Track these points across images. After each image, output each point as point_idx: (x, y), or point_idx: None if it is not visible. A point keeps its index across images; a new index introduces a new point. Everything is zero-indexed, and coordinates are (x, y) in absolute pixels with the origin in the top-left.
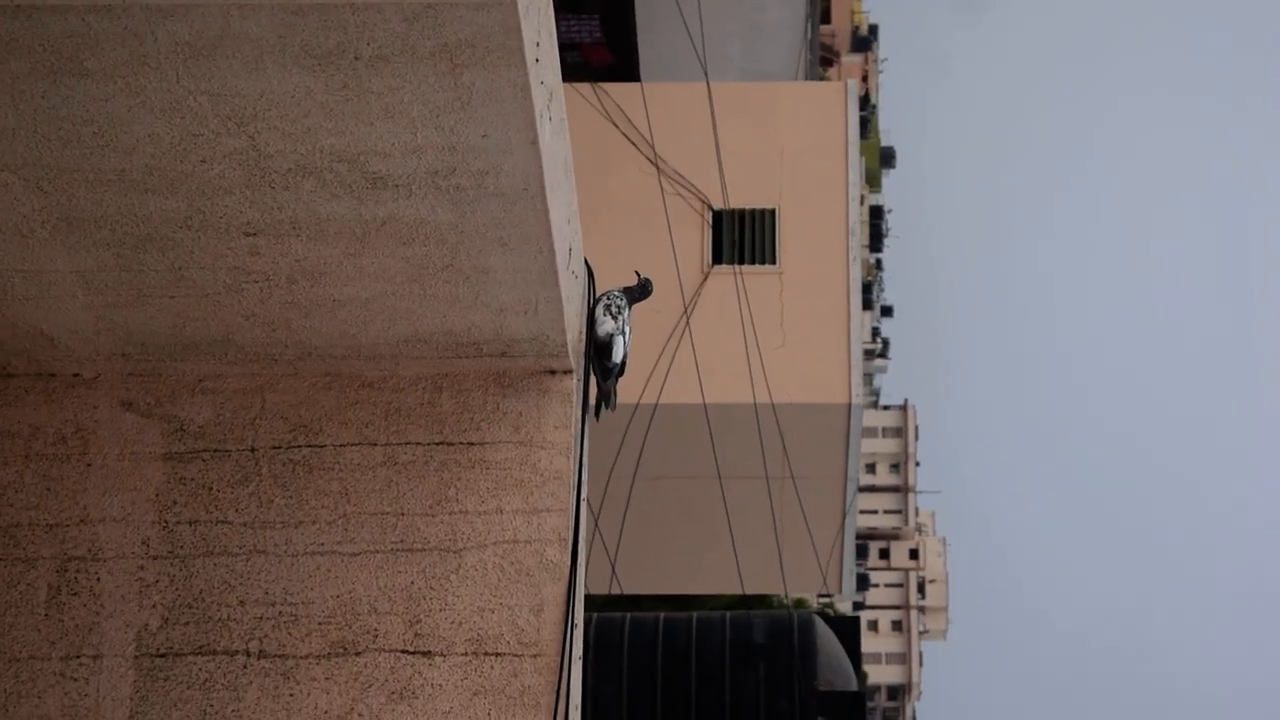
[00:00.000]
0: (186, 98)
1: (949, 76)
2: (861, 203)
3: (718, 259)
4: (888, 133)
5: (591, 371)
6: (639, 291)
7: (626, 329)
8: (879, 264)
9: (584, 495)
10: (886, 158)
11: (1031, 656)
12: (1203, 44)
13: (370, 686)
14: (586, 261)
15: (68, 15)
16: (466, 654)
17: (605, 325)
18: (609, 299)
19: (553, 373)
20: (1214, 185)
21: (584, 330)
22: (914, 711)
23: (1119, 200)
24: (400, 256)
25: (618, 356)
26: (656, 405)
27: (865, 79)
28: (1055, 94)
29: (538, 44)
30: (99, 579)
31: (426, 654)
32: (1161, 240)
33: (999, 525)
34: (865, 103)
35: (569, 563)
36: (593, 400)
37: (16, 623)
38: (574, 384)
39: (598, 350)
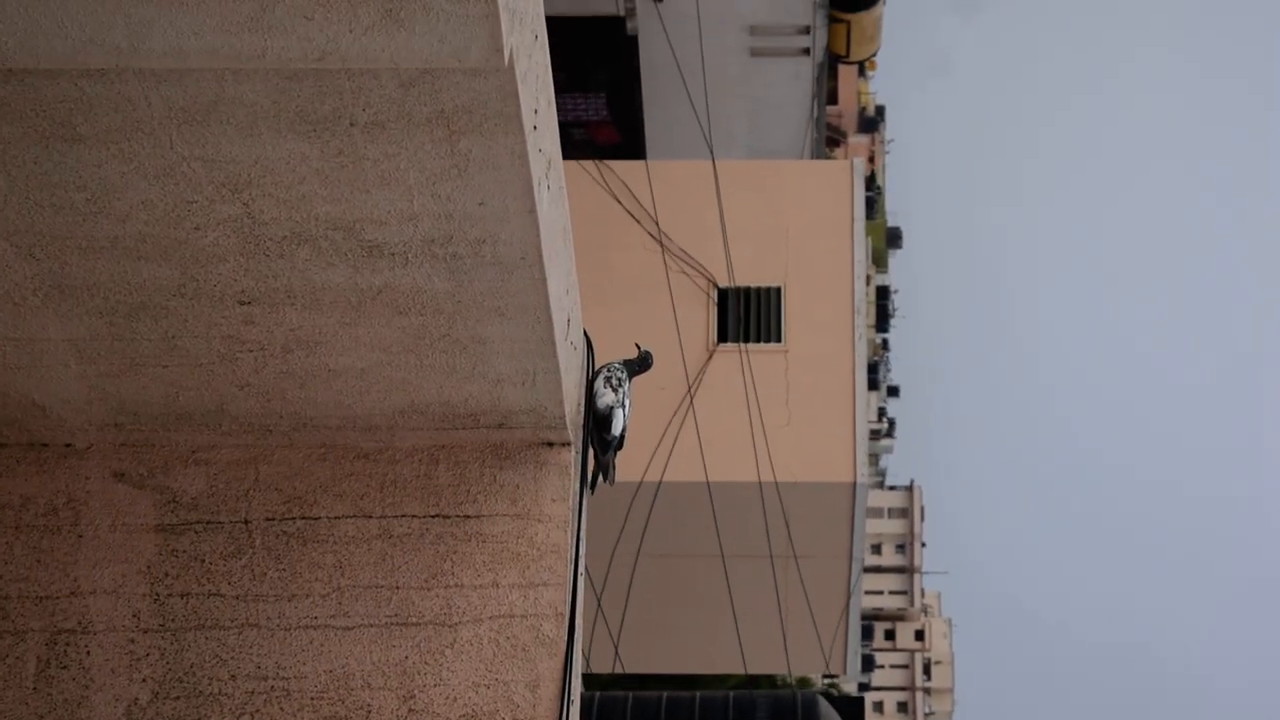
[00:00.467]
0: (180, 164)
1: (951, 157)
2: (868, 282)
3: (723, 337)
4: (894, 213)
5: (590, 444)
6: (639, 364)
7: (626, 401)
8: (885, 344)
9: (581, 569)
10: (893, 238)
11: None
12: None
13: None
14: (586, 333)
15: (60, 80)
16: None
17: (605, 398)
18: (609, 371)
19: (550, 445)
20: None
21: (583, 402)
22: None
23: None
24: (396, 326)
25: (617, 429)
26: (660, 483)
27: (872, 159)
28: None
29: (535, 111)
30: (89, 652)
31: None
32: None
33: (1005, 606)
34: (871, 183)
35: (565, 638)
36: (591, 473)
37: (4, 696)
38: (572, 456)
39: (597, 423)
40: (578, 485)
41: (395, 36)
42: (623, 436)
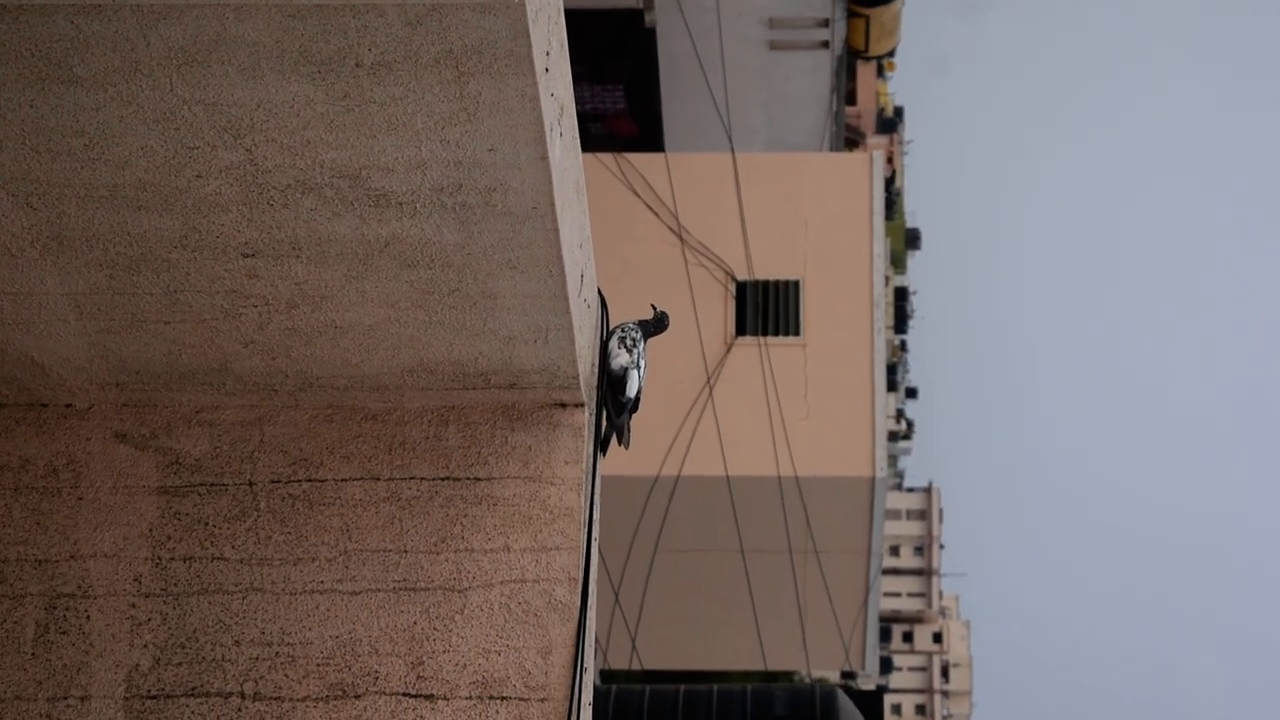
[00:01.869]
0: (181, 107)
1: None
2: (887, 284)
3: (741, 330)
4: (913, 214)
5: (604, 406)
6: (655, 325)
7: (642, 363)
8: (904, 345)
9: (595, 533)
10: (912, 239)
11: None
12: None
13: None
14: (600, 292)
15: (55, 17)
16: (471, 698)
17: (619, 358)
18: (623, 331)
19: (563, 406)
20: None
21: (596, 362)
22: None
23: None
24: (405, 280)
25: (632, 391)
26: (679, 477)
27: (890, 160)
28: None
29: (548, 53)
30: (89, 617)
31: (429, 697)
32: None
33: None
34: (890, 184)
35: (579, 603)
36: (605, 435)
37: (2, 661)
38: (586, 418)
39: (611, 384)
40: (591, 448)
41: None
42: (638, 398)
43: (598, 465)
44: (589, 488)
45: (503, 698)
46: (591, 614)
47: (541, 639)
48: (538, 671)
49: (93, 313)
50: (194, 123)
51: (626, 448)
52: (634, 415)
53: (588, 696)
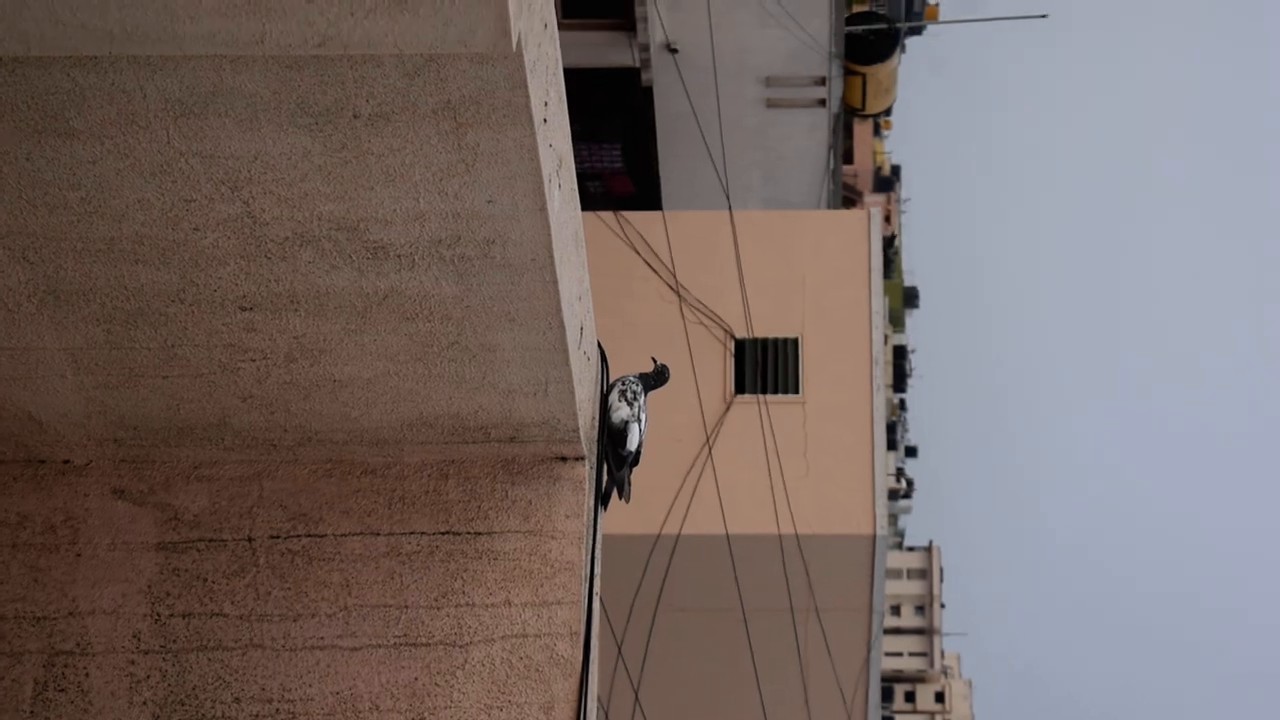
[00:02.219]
0: (178, 159)
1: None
2: (885, 342)
3: (740, 388)
4: (911, 273)
5: (605, 459)
6: (655, 378)
7: (642, 416)
8: (903, 404)
9: (597, 588)
10: (910, 297)
11: None
12: None
13: None
14: (600, 345)
15: (52, 70)
16: None
17: (620, 411)
18: (624, 384)
19: (564, 459)
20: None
21: (597, 415)
22: None
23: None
24: (403, 333)
25: (633, 444)
26: (679, 536)
27: (888, 219)
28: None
29: (546, 104)
30: (88, 674)
31: None
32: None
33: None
34: (888, 243)
35: (581, 658)
36: (605, 489)
37: None
38: (586, 471)
39: (612, 438)
40: (592, 501)
41: (399, 20)
42: (639, 452)
43: (599, 519)
44: (590, 542)
45: None
46: (594, 669)
47: (544, 695)
48: None
49: (90, 368)
50: (191, 175)
51: (627, 501)
52: (635, 469)
53: None
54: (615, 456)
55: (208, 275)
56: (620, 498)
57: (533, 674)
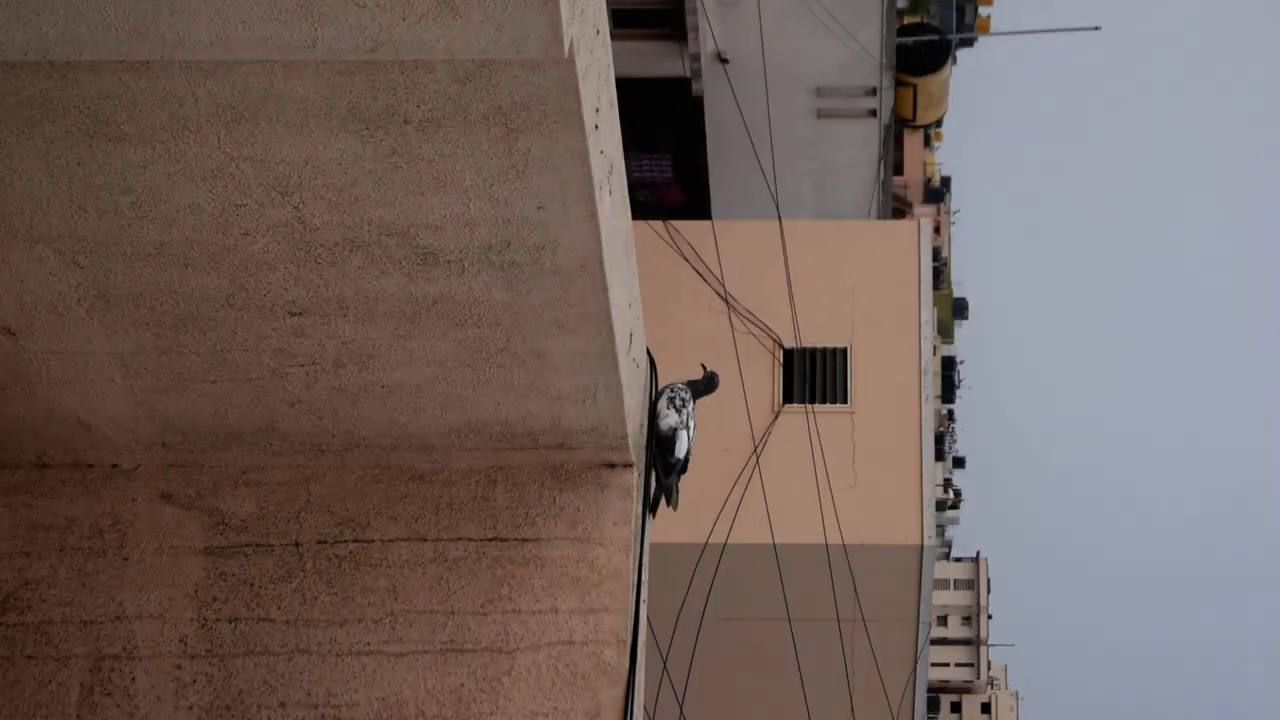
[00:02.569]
0: (228, 164)
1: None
2: (934, 353)
3: (789, 398)
4: (960, 284)
5: (653, 466)
6: (704, 385)
7: (691, 423)
8: (951, 415)
9: (644, 595)
10: (959, 309)
11: None
12: None
13: None
14: (649, 352)
15: (104, 74)
16: None
17: (669, 418)
18: (673, 391)
19: (612, 466)
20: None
21: (646, 422)
22: None
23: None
24: (452, 339)
25: (681, 451)
26: (725, 545)
27: (938, 230)
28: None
29: (597, 110)
30: (134, 678)
31: None
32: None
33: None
34: (938, 255)
35: (627, 666)
36: (654, 496)
37: None
38: (635, 478)
39: (660, 444)
40: (640, 508)
41: (450, 25)
42: (687, 459)
43: (646, 526)
44: (637, 549)
45: None
46: (640, 676)
47: (590, 701)
48: None
49: (139, 372)
50: (242, 180)
51: (675, 509)
52: (683, 476)
53: None
54: (663, 463)
55: (257, 280)
56: (668, 505)
57: (579, 681)
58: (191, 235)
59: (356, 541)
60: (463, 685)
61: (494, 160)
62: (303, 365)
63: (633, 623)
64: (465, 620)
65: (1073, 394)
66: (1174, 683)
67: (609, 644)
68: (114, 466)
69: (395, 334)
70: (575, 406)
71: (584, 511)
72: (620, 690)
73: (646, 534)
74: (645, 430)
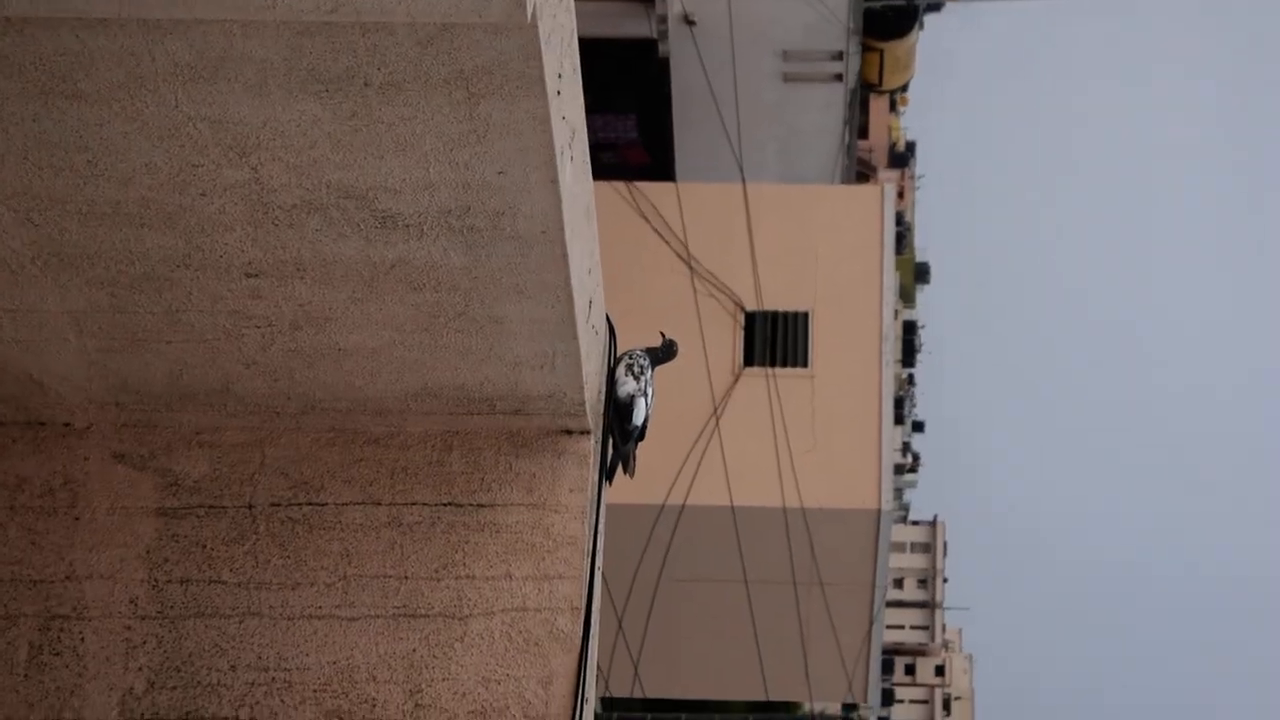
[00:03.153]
0: (186, 124)
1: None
2: (895, 317)
3: (749, 360)
4: (923, 249)
5: (611, 433)
6: (663, 353)
7: (649, 390)
8: (912, 379)
9: (599, 563)
10: (921, 273)
11: None
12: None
13: None
14: (608, 318)
15: (60, 31)
16: None
17: (627, 385)
18: (631, 358)
19: (569, 433)
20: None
21: (604, 389)
22: None
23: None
24: (410, 303)
25: (639, 419)
26: (683, 506)
27: (901, 195)
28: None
29: (560, 75)
30: (83, 639)
31: None
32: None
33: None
34: (901, 219)
35: (581, 633)
36: (611, 464)
37: None
38: (591, 445)
39: (618, 411)
40: (597, 476)
41: None
42: (644, 426)
43: (603, 494)
44: (593, 516)
45: None
46: (594, 644)
47: (542, 668)
48: (538, 701)
49: (93, 331)
50: (199, 140)
51: (632, 476)
52: (640, 444)
53: None
54: (621, 431)
55: (214, 241)
56: (625, 472)
57: (532, 648)
58: (147, 195)
59: (310, 505)
60: (415, 650)
61: (455, 125)
62: (259, 327)
63: (587, 590)
64: (418, 585)
65: (1035, 358)
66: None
67: (563, 611)
68: (66, 425)
69: (352, 297)
70: (533, 373)
71: (540, 478)
72: (574, 657)
73: (603, 501)
74: (603, 397)
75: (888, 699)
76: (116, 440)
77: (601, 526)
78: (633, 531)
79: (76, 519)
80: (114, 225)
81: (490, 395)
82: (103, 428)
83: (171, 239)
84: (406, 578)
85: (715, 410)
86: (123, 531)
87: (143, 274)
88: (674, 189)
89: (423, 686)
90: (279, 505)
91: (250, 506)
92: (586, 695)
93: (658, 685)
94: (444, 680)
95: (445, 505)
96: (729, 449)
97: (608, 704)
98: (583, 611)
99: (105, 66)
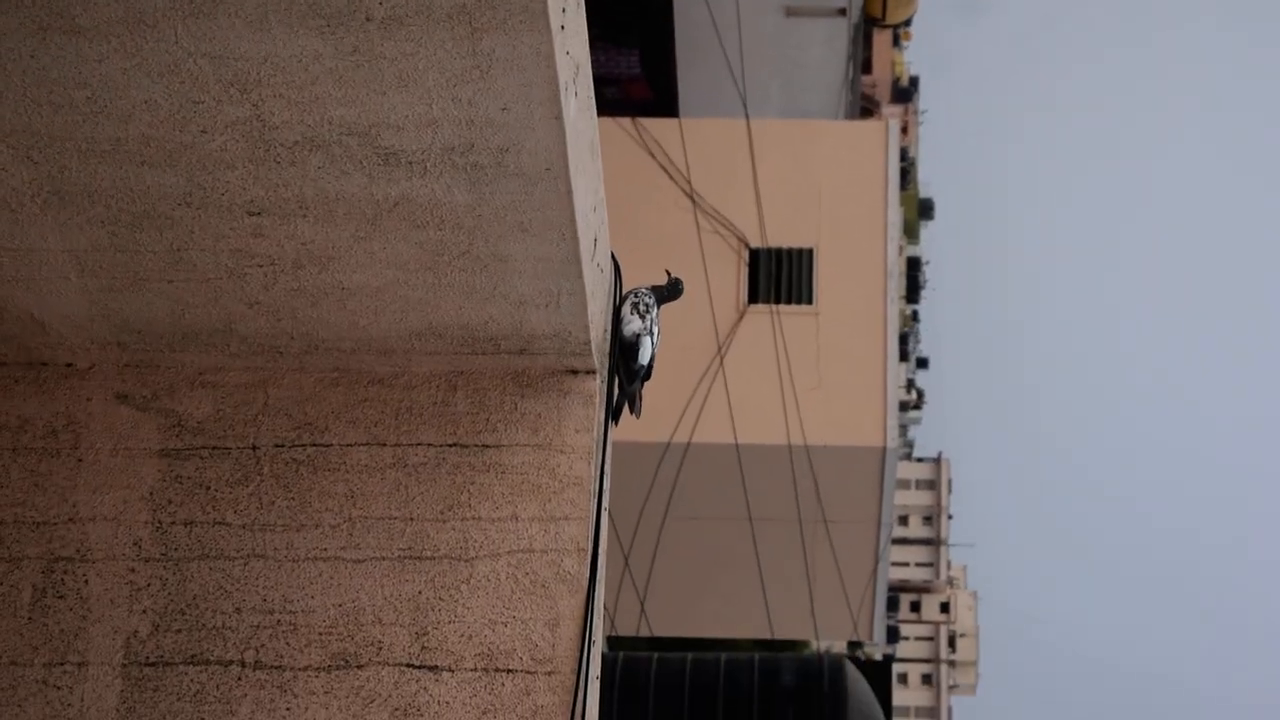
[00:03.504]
0: (186, 60)
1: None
2: (900, 253)
3: (754, 298)
4: (927, 184)
5: (616, 373)
6: (669, 291)
7: (655, 330)
8: (916, 315)
9: (605, 503)
10: (925, 209)
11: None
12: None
13: (372, 702)
14: (614, 256)
15: None
16: (476, 670)
17: (632, 324)
18: (636, 297)
19: (574, 372)
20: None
21: (609, 328)
22: None
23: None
24: (414, 241)
25: (644, 358)
26: (689, 445)
27: (905, 130)
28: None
29: (564, 10)
30: (87, 581)
31: (433, 669)
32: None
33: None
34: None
35: (588, 574)
36: (616, 404)
37: None
38: (597, 385)
39: (623, 351)
40: (602, 415)
41: None
42: (650, 366)
43: (609, 434)
44: (599, 457)
45: (508, 670)
46: (600, 586)
47: (549, 611)
48: (545, 644)
49: (94, 270)
50: (199, 76)
51: (638, 416)
52: (646, 383)
53: (595, 670)
54: (627, 370)
55: (215, 179)
56: (631, 412)
57: (538, 589)
58: (148, 132)
59: (314, 445)
60: (420, 593)
61: (458, 60)
62: (261, 266)
63: (594, 531)
64: (424, 527)
65: (1040, 295)
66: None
67: (569, 552)
68: (69, 366)
69: (355, 235)
70: (538, 311)
71: (545, 418)
72: (580, 599)
73: (609, 442)
74: (609, 336)
75: (893, 636)
76: (119, 381)
77: (608, 467)
78: (638, 470)
79: (80, 460)
80: (115, 163)
81: (495, 335)
82: (105, 368)
83: (173, 177)
84: (412, 519)
85: (720, 348)
86: (126, 473)
87: (144, 212)
88: (677, 124)
89: (429, 629)
90: (283, 446)
91: (254, 448)
92: (594, 637)
93: (664, 624)
94: (450, 623)
95: (450, 446)
96: (733, 386)
97: (614, 642)
98: (589, 553)
99: (104, 1)
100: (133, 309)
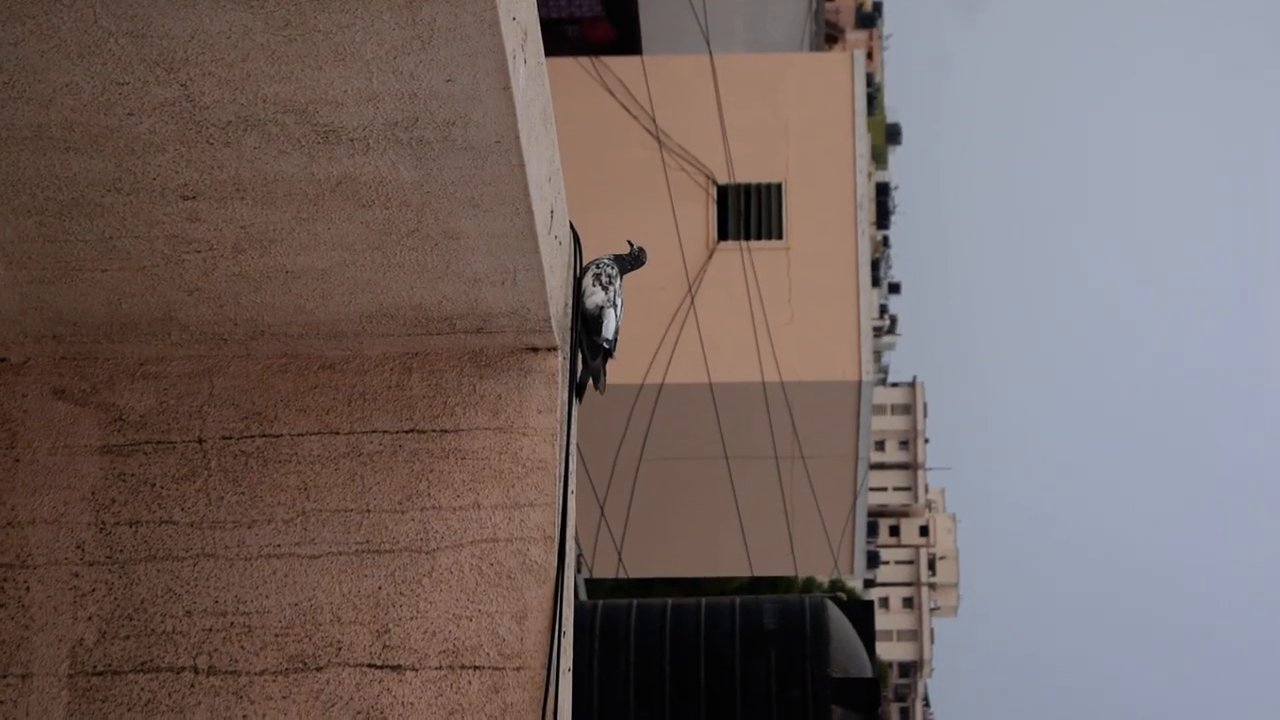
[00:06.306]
0: (106, 40)
1: (952, 69)
2: (869, 179)
3: (723, 234)
4: (893, 109)
5: (579, 348)
6: (631, 261)
7: (618, 301)
8: (886, 241)
9: (572, 488)
10: (893, 134)
11: (1042, 631)
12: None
13: (333, 706)
14: (572, 226)
15: None
16: (441, 667)
17: (594, 297)
18: (598, 268)
19: (535, 350)
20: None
21: (570, 303)
22: (925, 688)
23: (1126, 177)
24: (359, 221)
25: (609, 331)
26: (662, 385)
27: (870, 56)
28: (1061, 71)
29: None
30: (28, 588)
31: (396, 668)
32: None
33: (1010, 501)
34: (870, 80)
35: (556, 563)
36: (580, 380)
37: None
38: (559, 362)
39: (586, 325)
40: (566, 394)
41: None
42: (615, 340)
43: (573, 414)
44: (564, 438)
45: (475, 667)
46: (569, 575)
47: (516, 603)
48: (512, 638)
49: (23, 262)
50: (122, 56)
51: (603, 393)
52: (610, 359)
53: (567, 663)
54: (590, 345)
55: (145, 163)
56: (595, 388)
57: (504, 581)
58: (71, 116)
59: (264, 436)
60: (380, 588)
61: (396, 31)
62: (199, 251)
63: (560, 517)
64: (382, 518)
65: (1008, 216)
66: (1109, 506)
67: (535, 540)
68: (2, 361)
69: (297, 217)
70: (493, 289)
71: (506, 399)
72: (548, 589)
73: (573, 422)
74: (570, 311)
75: (873, 561)
76: (56, 375)
77: (573, 449)
78: (612, 412)
79: (16, 460)
80: (37, 150)
81: (449, 314)
82: (40, 362)
83: (100, 162)
84: (369, 511)
85: (690, 286)
86: (66, 472)
87: (71, 200)
88: (640, 62)
89: (390, 626)
90: (230, 438)
91: (200, 441)
92: (564, 629)
93: (642, 566)
94: (413, 619)
95: (407, 432)
96: (705, 325)
97: (592, 586)
98: (556, 540)
99: None
100: (66, 300)
